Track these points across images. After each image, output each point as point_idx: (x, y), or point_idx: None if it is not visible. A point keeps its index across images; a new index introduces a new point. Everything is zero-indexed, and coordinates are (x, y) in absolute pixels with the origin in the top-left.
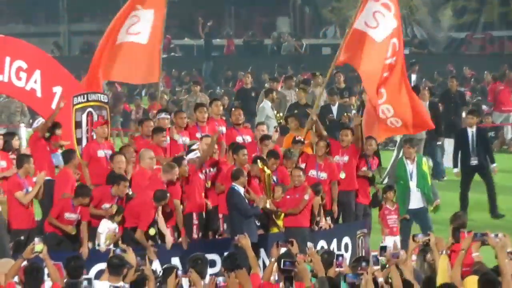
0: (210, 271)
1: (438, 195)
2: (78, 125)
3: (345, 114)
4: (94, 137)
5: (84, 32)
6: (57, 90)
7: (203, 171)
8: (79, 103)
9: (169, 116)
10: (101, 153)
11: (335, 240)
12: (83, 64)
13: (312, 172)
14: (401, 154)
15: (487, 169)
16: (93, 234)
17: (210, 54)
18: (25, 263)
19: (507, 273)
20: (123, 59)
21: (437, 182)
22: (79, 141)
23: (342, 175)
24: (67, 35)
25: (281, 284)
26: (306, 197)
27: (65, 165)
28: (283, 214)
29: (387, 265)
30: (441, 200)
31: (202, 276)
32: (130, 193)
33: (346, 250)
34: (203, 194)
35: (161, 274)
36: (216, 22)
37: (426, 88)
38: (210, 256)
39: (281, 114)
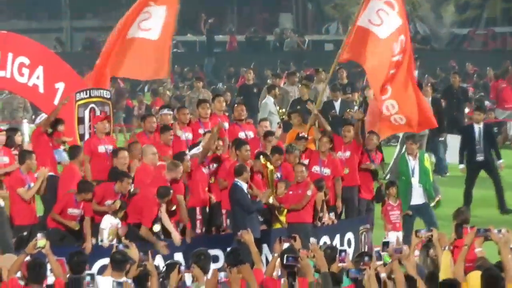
0: (213, 266)
1: (439, 191)
2: (80, 121)
3: (348, 110)
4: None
5: (86, 28)
6: (60, 86)
7: (207, 167)
8: (82, 99)
9: (171, 112)
10: (101, 149)
11: (338, 236)
12: (85, 60)
13: (316, 168)
14: (403, 150)
15: (493, 165)
16: (96, 230)
17: (212, 51)
18: (28, 258)
19: (510, 269)
20: (132, 56)
21: (439, 178)
22: (81, 137)
23: (346, 171)
24: (69, 31)
25: (283, 280)
26: (309, 192)
27: (71, 161)
28: (286, 210)
29: (390, 260)
30: (444, 196)
31: (205, 272)
32: (132, 189)
33: (349, 245)
34: (206, 189)
35: (164, 269)
36: (218, 19)
37: (429, 84)
38: (213, 252)
39: (283, 110)
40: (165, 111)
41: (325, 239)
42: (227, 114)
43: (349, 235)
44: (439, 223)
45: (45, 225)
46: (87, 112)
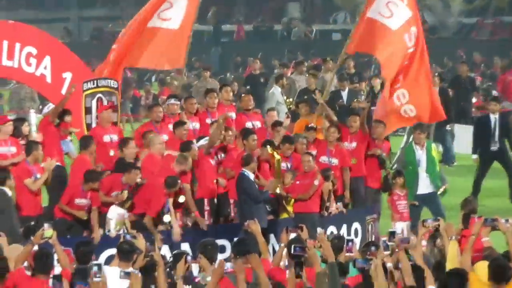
0: (220, 256)
1: (446, 180)
2: (88, 111)
3: (355, 99)
4: None
5: (94, 18)
6: (67, 76)
7: (214, 157)
8: (89, 88)
9: (179, 102)
10: (106, 138)
11: (344, 226)
12: (93, 50)
13: (323, 158)
14: (410, 139)
15: (506, 155)
16: (103, 220)
17: (219, 40)
18: (35, 248)
19: None
20: (152, 46)
21: (447, 167)
22: (88, 127)
23: (353, 161)
24: (77, 21)
25: (288, 271)
26: (316, 182)
27: (82, 151)
28: (292, 200)
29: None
30: (451, 186)
31: (212, 262)
32: (139, 180)
33: (356, 235)
34: (214, 181)
35: (170, 259)
36: (226, 8)
37: (436, 74)
38: (220, 242)
39: (291, 100)
40: (172, 101)
41: (332, 229)
42: (234, 104)
43: (356, 225)
44: (446, 213)
45: (51, 216)
46: (94, 102)
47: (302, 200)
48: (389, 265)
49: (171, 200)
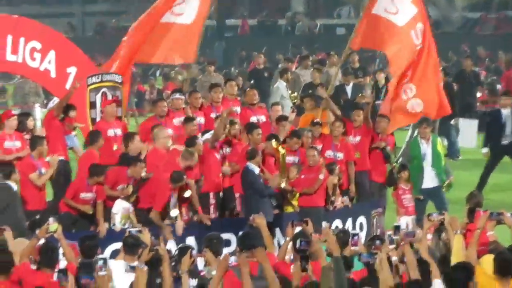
0: (225, 250)
1: (451, 173)
2: (92, 105)
3: (360, 94)
4: None
5: (97, 13)
6: (72, 70)
7: (220, 151)
8: (93, 83)
9: (183, 97)
10: (110, 132)
11: (350, 220)
12: (97, 45)
13: (329, 153)
14: (415, 133)
15: None
16: (108, 215)
17: (222, 35)
18: (40, 242)
19: None
20: (166, 41)
21: (451, 161)
22: (93, 122)
23: (358, 155)
24: (81, 16)
25: (293, 265)
26: (321, 176)
27: (90, 146)
28: (298, 194)
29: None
30: (456, 180)
31: (217, 256)
32: (144, 174)
33: (361, 229)
34: (220, 175)
35: (176, 253)
36: (231, 2)
37: (441, 68)
38: (225, 236)
39: (295, 94)
40: (177, 95)
41: (337, 223)
42: (239, 98)
43: (361, 219)
44: (451, 207)
45: (55, 210)
46: (98, 96)
47: (307, 194)
48: (394, 259)
49: (176, 195)
